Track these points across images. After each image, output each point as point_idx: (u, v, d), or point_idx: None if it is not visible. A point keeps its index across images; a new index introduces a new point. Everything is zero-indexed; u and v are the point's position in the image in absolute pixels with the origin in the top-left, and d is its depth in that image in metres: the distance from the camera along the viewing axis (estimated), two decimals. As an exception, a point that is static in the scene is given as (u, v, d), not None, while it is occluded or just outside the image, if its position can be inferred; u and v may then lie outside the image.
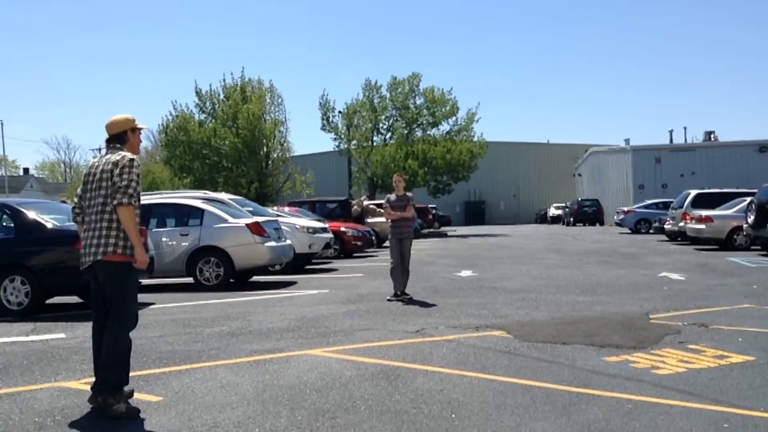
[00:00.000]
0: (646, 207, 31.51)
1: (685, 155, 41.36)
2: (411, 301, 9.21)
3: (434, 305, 8.86)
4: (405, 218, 9.63)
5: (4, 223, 9.43)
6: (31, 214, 9.26)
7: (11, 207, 9.47)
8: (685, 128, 73.55)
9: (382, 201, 10.38)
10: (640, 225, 30.44)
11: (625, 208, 33.19)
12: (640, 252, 18.34)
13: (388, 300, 9.37)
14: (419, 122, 38.34)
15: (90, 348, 4.64)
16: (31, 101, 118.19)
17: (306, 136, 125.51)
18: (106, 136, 4.64)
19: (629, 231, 30.95)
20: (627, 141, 47.33)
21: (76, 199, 4.66)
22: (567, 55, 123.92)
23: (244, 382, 5.08)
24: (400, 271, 9.54)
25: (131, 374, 4.62)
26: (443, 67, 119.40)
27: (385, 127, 39.18)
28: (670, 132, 55.14)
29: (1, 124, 77.57)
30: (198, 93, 34.53)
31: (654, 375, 5.05)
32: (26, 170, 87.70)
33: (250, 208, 14.37)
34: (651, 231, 28.53)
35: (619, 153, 45.80)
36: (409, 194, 9.86)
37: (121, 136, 4.60)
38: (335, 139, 39.10)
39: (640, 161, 41.45)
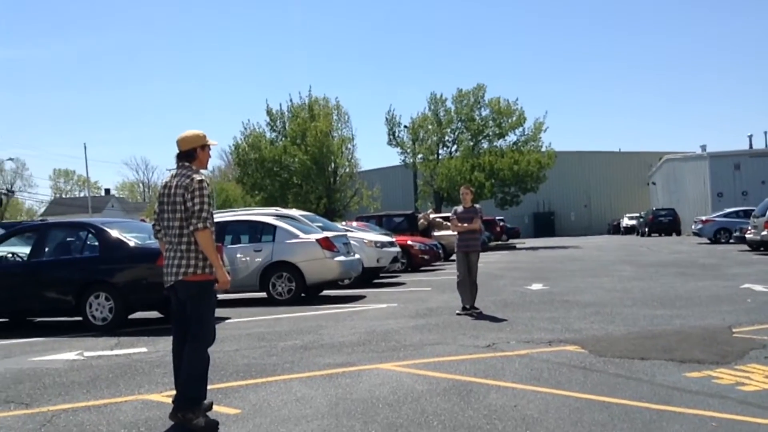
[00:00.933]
0: (725, 216, 30.21)
1: (766, 161, 39.47)
2: (481, 316, 9.12)
3: (505, 320, 8.76)
4: (472, 230, 9.55)
5: (89, 242, 9.91)
6: (114, 233, 9.71)
7: (96, 226, 9.96)
8: (765, 133, 69.68)
9: (449, 214, 10.31)
10: (719, 234, 29.20)
11: (704, 218, 31.91)
12: (720, 263, 17.59)
13: (458, 314, 9.29)
14: (485, 134, 38.09)
15: (171, 362, 4.81)
16: (110, 124, 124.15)
17: (372, 151, 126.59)
18: (176, 152, 4.71)
19: (708, 241, 29.74)
20: (703, 147, 45.58)
21: (155, 217, 4.83)
22: (637, 61, 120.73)
23: (317, 396, 5.16)
24: (468, 284, 9.45)
25: (210, 387, 4.78)
26: (509, 77, 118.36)
27: (450, 139, 39.12)
28: (750, 137, 52.61)
29: (84, 147, 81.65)
30: (269, 112, 35.49)
31: (739, 392, 4.84)
32: (107, 191, 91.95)
33: (320, 224, 14.60)
34: (731, 241, 27.30)
35: (695, 160, 44.16)
36: (477, 206, 9.79)
37: (191, 152, 4.66)
38: (401, 153, 39.35)
39: (718, 168, 39.82)
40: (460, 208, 9.73)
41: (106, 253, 9.54)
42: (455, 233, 9.77)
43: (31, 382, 6.06)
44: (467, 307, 9.43)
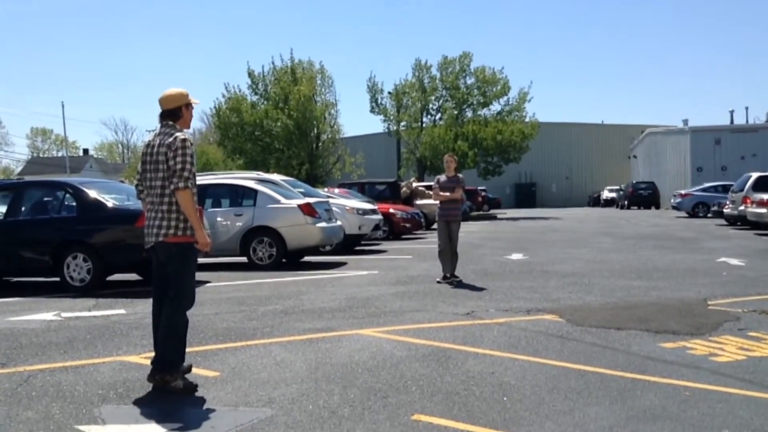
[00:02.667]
0: (704, 190, 30.54)
1: (747, 137, 39.83)
2: (461, 284, 9.17)
3: (484, 288, 8.82)
4: (454, 200, 9.50)
5: (67, 202, 9.77)
6: (93, 194, 9.57)
7: (73, 186, 9.81)
8: (746, 108, 70.82)
9: (432, 183, 10.22)
10: (697, 209, 29.55)
11: (683, 191, 32.22)
12: (697, 236, 17.83)
13: (438, 282, 9.32)
14: (470, 102, 37.89)
15: (150, 324, 4.79)
16: (89, 83, 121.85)
17: (356, 118, 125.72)
18: (159, 111, 4.61)
19: (686, 215, 30.10)
20: (685, 122, 45.85)
21: (137, 177, 4.75)
22: (622, 33, 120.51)
23: (297, 360, 5.17)
24: (448, 253, 9.45)
25: (190, 350, 4.77)
26: (495, 46, 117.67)
27: (434, 107, 38.87)
28: (731, 112, 53.19)
29: (63, 106, 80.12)
30: (250, 75, 34.92)
31: (712, 362, 4.93)
32: (86, 151, 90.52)
33: (302, 189, 14.53)
34: (709, 215, 27.68)
35: (676, 134, 44.42)
36: (460, 175, 9.74)
37: (175, 111, 4.58)
38: (384, 120, 39.05)
39: (699, 143, 40.11)
40: (443, 177, 9.67)
41: (84, 214, 9.42)
42: (437, 202, 9.72)
43: (8, 342, 6.01)
44: (447, 275, 9.43)
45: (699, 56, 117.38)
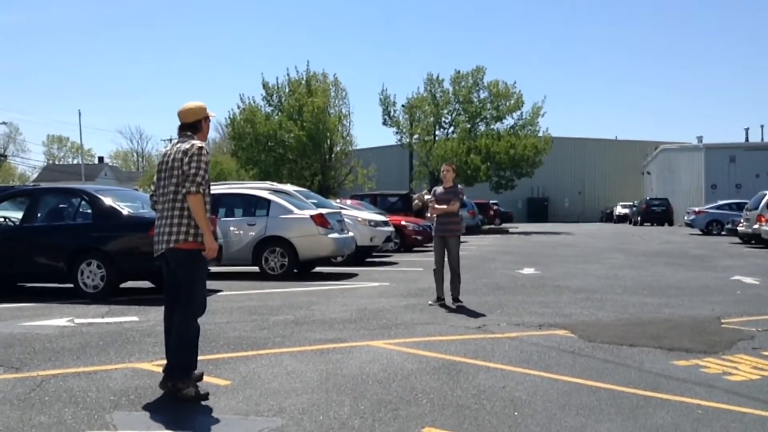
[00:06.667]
0: (718, 208, 30.35)
1: (762, 154, 39.55)
2: (462, 309, 8.16)
3: (496, 302, 8.79)
4: (451, 213, 8.58)
5: (82, 209, 9.85)
6: (108, 201, 9.65)
7: (89, 193, 9.89)
8: (762, 126, 69.64)
9: (428, 195, 9.18)
10: (711, 226, 29.34)
11: (696, 209, 32.03)
12: (711, 254, 17.69)
13: (429, 305, 8.49)
14: (483, 116, 37.94)
15: (162, 331, 4.81)
16: (106, 92, 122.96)
17: (369, 130, 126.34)
18: (178, 123, 4.68)
19: (700, 232, 29.89)
20: (700, 139, 45.60)
21: (152, 188, 4.79)
22: (637, 50, 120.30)
23: (308, 370, 5.18)
24: (442, 272, 8.57)
25: (201, 358, 4.79)
26: (508, 60, 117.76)
27: (447, 121, 38.93)
28: (746, 130, 52.65)
29: (79, 114, 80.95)
30: (265, 86, 35.19)
31: (726, 381, 4.88)
32: (101, 159, 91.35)
33: (315, 200, 14.57)
34: (723, 233, 27.47)
35: (691, 151, 44.20)
36: (459, 186, 8.86)
37: (194, 124, 4.66)
38: (397, 133, 39.18)
39: (713, 160, 39.90)
40: (439, 188, 8.80)
41: (98, 221, 9.49)
42: (433, 216, 8.80)
43: (21, 347, 6.06)
44: (441, 297, 8.56)
45: (714, 73, 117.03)
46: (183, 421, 4.01)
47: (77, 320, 7.49)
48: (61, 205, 10.32)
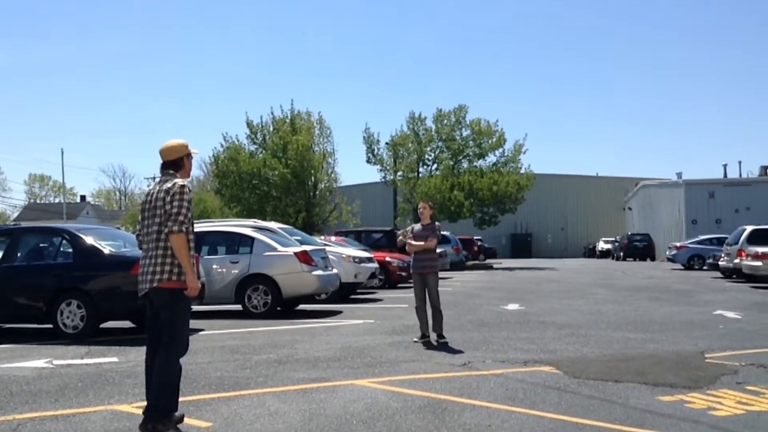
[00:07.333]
0: (699, 243, 30.66)
1: (740, 190, 40.27)
2: (445, 346, 8.10)
3: (481, 339, 8.76)
4: (428, 250, 8.48)
5: (63, 248, 9.75)
6: (89, 240, 9.57)
7: (70, 232, 9.81)
8: (740, 162, 71.41)
9: (404, 231, 9.05)
10: (693, 261, 29.61)
11: (678, 244, 32.35)
12: (693, 289, 17.82)
13: (414, 342, 8.44)
14: (465, 153, 38.30)
15: (142, 372, 4.74)
16: (89, 130, 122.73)
17: (353, 167, 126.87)
18: (160, 162, 4.70)
19: (682, 267, 30.13)
20: (679, 175, 46.33)
21: (138, 227, 4.78)
22: (616, 89, 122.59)
23: (291, 411, 5.10)
24: (425, 310, 8.48)
25: (181, 399, 4.70)
26: (490, 98, 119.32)
27: (430, 158, 39.25)
28: (724, 166, 53.72)
29: (62, 152, 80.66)
30: (249, 125, 35.38)
31: (711, 416, 4.88)
32: (83, 197, 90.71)
33: (299, 237, 14.55)
34: (705, 267, 27.72)
35: (671, 187, 44.85)
36: (436, 223, 8.81)
37: (176, 162, 4.69)
38: (381, 170, 39.41)
39: (693, 196, 40.49)
40: (417, 226, 8.74)
41: (79, 260, 9.39)
42: (411, 253, 8.71)
43: (-3, 390, 5.92)
44: (426, 334, 8.46)
45: (692, 111, 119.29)
46: (163, 465, 3.91)
47: (56, 361, 7.35)
48: (41, 245, 10.21)
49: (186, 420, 4.69)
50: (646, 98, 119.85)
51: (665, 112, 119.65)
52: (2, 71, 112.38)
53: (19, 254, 9.90)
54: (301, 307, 13.26)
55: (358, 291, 16.56)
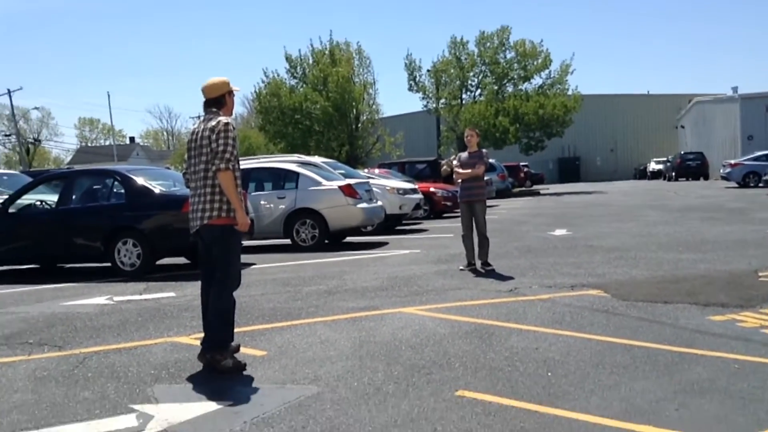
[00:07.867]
0: (755, 159, 29.53)
1: (800, 102, 38.33)
2: (492, 273, 8.15)
3: (527, 265, 8.76)
4: (476, 177, 8.57)
5: (116, 190, 10.01)
6: (140, 180, 9.80)
7: (122, 174, 10.05)
8: (800, 73, 67.86)
9: (454, 160, 9.09)
10: (748, 178, 28.62)
11: (733, 161, 31.24)
12: (748, 207, 17.31)
13: (460, 270, 8.50)
14: (510, 77, 37.22)
15: (199, 306, 4.91)
16: (134, 72, 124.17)
17: (395, 97, 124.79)
18: (203, 100, 4.70)
19: (736, 185, 29.21)
20: (735, 89, 44.28)
21: (184, 166, 4.85)
22: (666, 3, 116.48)
23: (341, 338, 5.25)
24: (471, 238, 8.58)
25: (237, 330, 4.88)
26: (534, 19, 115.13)
27: (473, 84, 38.32)
28: (784, 78, 51.21)
29: (108, 96, 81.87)
30: (288, 59, 35.06)
31: (763, 335, 4.82)
32: (132, 139, 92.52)
33: (342, 171, 14.59)
34: (761, 185, 26.82)
35: (726, 102, 42.99)
36: (483, 150, 8.86)
37: (219, 99, 4.68)
38: (423, 98, 38.75)
39: (750, 110, 38.73)
40: (464, 154, 8.81)
41: (132, 200, 9.65)
42: (457, 181, 8.80)
43: (63, 326, 6.25)
44: (472, 262, 8.57)
45: (747, 21, 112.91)
46: (222, 392, 4.10)
47: (116, 298, 7.68)
48: (95, 187, 10.50)
49: (242, 349, 4.88)
50: (700, 8, 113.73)
51: (720, 23, 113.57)
52: (46, 17, 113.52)
53: (74, 197, 10.23)
54: (348, 239, 13.44)
55: (404, 222, 16.65)
